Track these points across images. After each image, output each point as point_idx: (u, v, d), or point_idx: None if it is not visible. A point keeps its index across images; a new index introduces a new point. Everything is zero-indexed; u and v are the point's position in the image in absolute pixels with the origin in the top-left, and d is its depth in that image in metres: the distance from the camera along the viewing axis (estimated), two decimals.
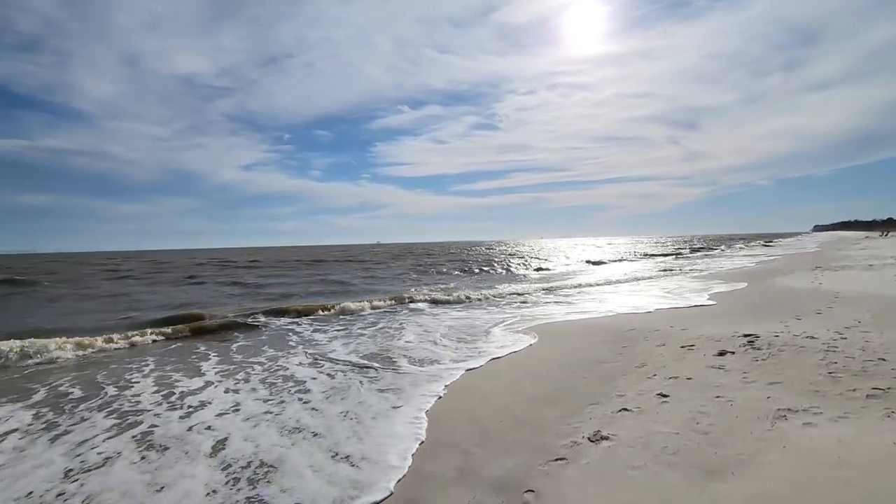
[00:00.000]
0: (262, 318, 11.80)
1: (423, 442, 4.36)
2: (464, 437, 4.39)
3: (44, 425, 5.09)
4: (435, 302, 14.80)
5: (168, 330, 10.21)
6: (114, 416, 5.35)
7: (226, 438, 4.56)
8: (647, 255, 42.16)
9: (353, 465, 3.93)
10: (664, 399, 5.03)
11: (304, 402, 5.55)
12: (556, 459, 3.86)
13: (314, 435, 4.58)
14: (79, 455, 4.29)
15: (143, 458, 4.22)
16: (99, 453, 4.32)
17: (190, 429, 4.85)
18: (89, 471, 3.98)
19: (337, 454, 4.14)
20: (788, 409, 4.44)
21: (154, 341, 9.57)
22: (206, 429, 4.84)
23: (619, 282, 19.97)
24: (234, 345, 9.26)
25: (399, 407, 5.30)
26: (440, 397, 5.62)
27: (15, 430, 4.95)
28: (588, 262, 34.87)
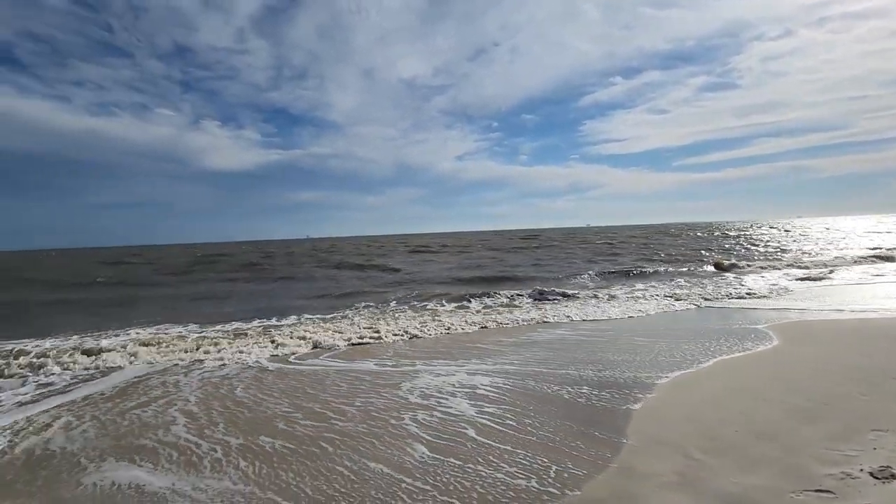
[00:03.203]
0: None
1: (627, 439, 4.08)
2: (686, 440, 3.91)
3: None
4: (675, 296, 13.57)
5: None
6: None
7: None
8: None
9: None
10: None
11: None
12: (818, 490, 3.09)
13: None
14: None
15: None
16: None
17: None
18: None
19: None
20: None
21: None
22: None
23: None
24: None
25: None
26: (654, 396, 5.14)
27: None
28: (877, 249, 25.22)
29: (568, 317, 9.96)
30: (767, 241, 35.82)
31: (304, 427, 4.69)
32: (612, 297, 12.63)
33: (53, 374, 6.79)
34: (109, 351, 7.87)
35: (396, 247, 51.69)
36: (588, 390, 5.31)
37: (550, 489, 3.33)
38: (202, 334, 9.37)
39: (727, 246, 31.35)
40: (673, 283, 15.05)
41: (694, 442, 3.86)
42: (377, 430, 4.55)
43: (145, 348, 8.08)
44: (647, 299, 11.95)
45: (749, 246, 31.01)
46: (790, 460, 3.50)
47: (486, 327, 9.32)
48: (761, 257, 23.56)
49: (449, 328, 9.20)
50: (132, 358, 7.51)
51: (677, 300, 11.59)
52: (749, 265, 19.11)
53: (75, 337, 9.46)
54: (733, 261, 20.98)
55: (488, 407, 5.01)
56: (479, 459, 3.85)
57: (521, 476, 3.53)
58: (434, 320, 9.96)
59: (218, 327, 9.99)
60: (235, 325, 10.33)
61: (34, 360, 7.35)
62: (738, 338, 7.34)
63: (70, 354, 7.66)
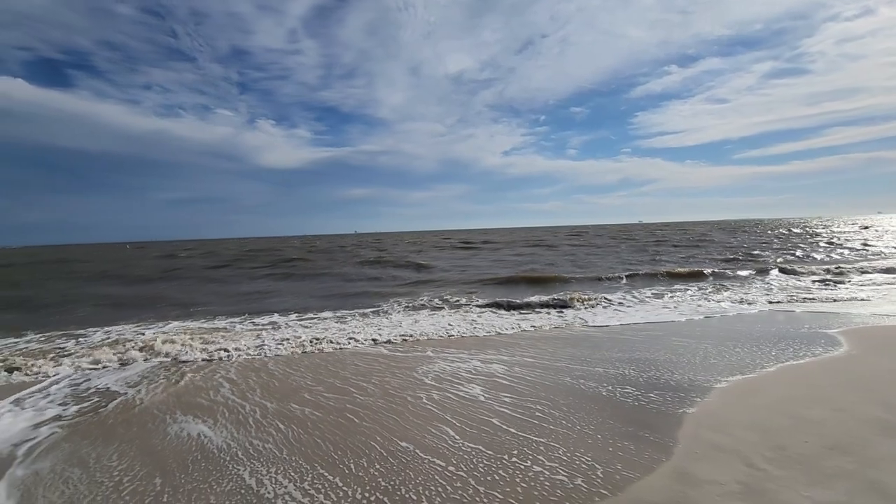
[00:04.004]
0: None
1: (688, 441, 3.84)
2: (749, 449, 3.62)
3: None
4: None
5: None
6: None
7: None
8: None
9: None
10: None
11: None
12: None
13: None
14: None
15: None
16: None
17: None
18: None
19: None
20: None
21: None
22: None
23: None
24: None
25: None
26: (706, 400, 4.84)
27: None
28: None
29: (585, 322, 9.30)
30: (840, 239, 32.75)
31: (327, 398, 5.22)
32: (655, 297, 12.01)
33: (132, 353, 7.55)
34: (166, 334, 8.81)
35: (438, 243, 51.97)
36: (633, 390, 5.07)
37: (601, 490, 3.18)
38: (241, 325, 10.09)
39: (791, 244, 28.98)
40: (728, 284, 14.12)
41: (758, 451, 3.57)
42: (396, 406, 4.86)
43: (196, 334, 8.84)
44: (696, 301, 11.28)
45: (817, 244, 28.59)
46: (868, 475, 3.18)
47: (521, 329, 9.04)
48: (832, 257, 21.68)
49: (473, 326, 9.12)
50: (184, 341, 8.17)
51: (733, 302, 10.86)
52: (816, 265, 17.59)
53: (140, 324, 10.54)
54: (797, 260, 19.45)
55: (509, 397, 5.05)
56: (514, 451, 3.78)
57: (562, 472, 3.41)
58: (465, 320, 9.78)
59: (257, 320, 10.39)
60: (275, 317, 10.70)
61: (143, 343, 8.57)
62: (805, 342, 6.76)
63: (135, 341, 8.69)
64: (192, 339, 8.28)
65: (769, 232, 47.82)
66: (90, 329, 9.66)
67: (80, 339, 8.75)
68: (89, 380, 6.26)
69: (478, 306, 11.47)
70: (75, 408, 5.20)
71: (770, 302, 10.74)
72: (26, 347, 8.21)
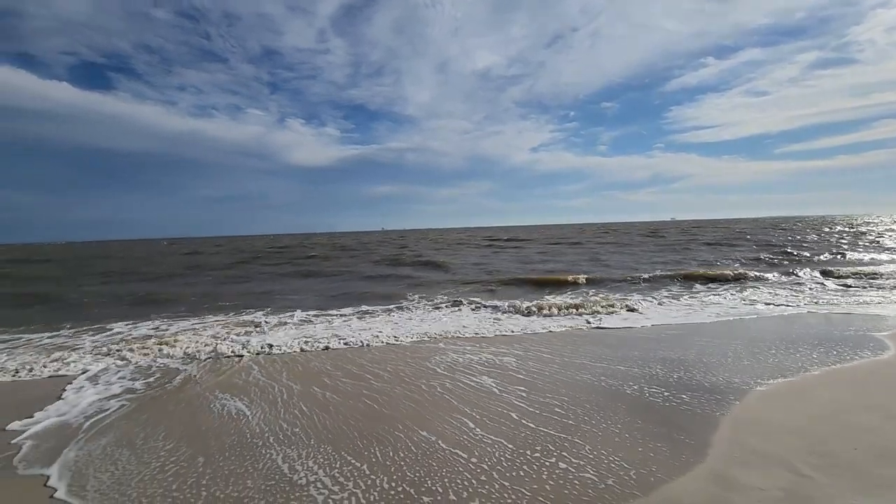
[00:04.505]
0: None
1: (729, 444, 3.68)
2: (792, 454, 3.43)
3: None
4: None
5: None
6: None
7: None
8: None
9: None
10: None
11: None
12: None
13: None
14: None
15: None
16: None
17: None
18: None
19: None
20: None
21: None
22: None
23: None
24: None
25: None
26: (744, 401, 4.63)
27: None
28: None
29: (606, 322, 9.06)
30: (887, 237, 30.81)
31: (344, 383, 5.57)
32: (683, 297, 11.61)
33: (169, 343, 7.87)
34: (200, 327, 9.28)
35: (463, 240, 51.94)
36: (662, 390, 4.92)
37: (634, 491, 3.07)
38: (267, 318, 10.52)
39: (831, 243, 27.49)
40: (763, 284, 13.53)
41: (802, 457, 3.38)
42: (413, 394, 5.06)
43: (226, 327, 9.35)
44: (727, 301, 10.83)
45: (859, 243, 27.10)
46: None
47: (539, 327, 8.94)
48: (877, 257, 20.41)
49: (489, 324, 9.10)
50: (216, 332, 8.59)
51: (768, 303, 10.38)
52: (860, 265, 16.58)
53: (173, 318, 11.22)
54: (839, 260, 18.41)
55: (525, 391, 5.05)
56: (537, 447, 3.73)
57: (591, 471, 3.32)
58: (480, 319, 9.85)
59: (282, 315, 10.57)
60: (297, 312, 10.87)
61: (178, 334, 9.05)
62: (850, 345, 6.40)
63: (170, 333, 9.44)
64: (224, 330, 8.65)
65: (810, 230, 45.54)
66: (124, 322, 10.05)
67: (118, 332, 9.11)
68: (138, 365, 6.79)
69: (492, 305, 11.33)
70: (137, 384, 5.84)
71: (809, 303, 10.24)
72: (65, 342, 8.62)
